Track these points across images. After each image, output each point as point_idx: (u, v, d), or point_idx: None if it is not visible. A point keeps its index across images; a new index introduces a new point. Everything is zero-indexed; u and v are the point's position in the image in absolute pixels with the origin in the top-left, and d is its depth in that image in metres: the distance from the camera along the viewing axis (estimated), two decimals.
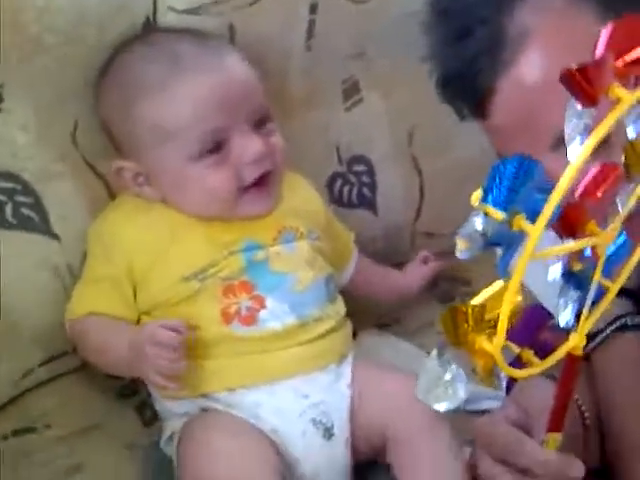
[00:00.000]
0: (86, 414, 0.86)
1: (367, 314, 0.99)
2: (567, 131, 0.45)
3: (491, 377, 0.50)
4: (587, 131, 0.44)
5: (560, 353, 0.53)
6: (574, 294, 0.51)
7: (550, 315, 0.52)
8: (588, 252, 0.50)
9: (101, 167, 0.85)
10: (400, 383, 0.79)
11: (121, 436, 0.86)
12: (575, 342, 0.54)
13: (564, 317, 0.51)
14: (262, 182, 0.80)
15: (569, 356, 0.55)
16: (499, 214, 0.46)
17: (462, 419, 0.77)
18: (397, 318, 1.02)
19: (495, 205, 0.46)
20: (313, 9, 0.90)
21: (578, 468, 0.61)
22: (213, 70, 0.78)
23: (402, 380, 0.79)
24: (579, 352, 0.55)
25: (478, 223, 0.46)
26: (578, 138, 0.44)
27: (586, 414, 0.72)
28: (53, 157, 0.82)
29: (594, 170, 0.45)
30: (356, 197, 1.00)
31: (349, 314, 0.87)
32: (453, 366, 0.49)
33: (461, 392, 0.49)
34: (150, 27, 0.82)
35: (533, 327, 0.68)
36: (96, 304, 0.80)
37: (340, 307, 0.85)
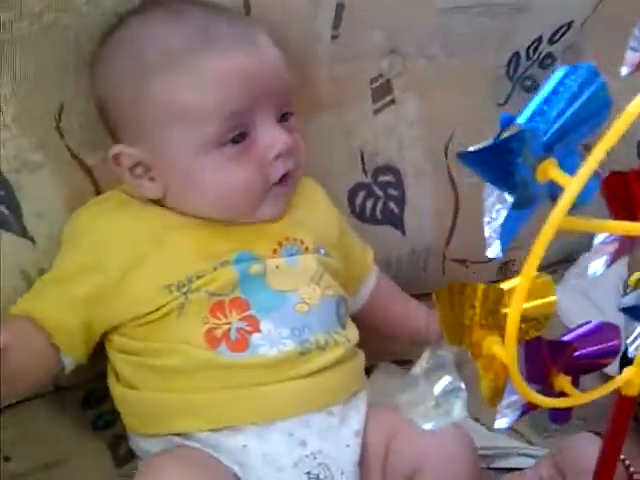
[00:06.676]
0: (52, 447, 0.77)
1: (383, 346, 0.88)
2: None
3: (498, 397, 0.41)
4: None
5: (608, 388, 0.44)
6: None
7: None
8: None
9: (89, 159, 0.75)
10: (429, 442, 0.67)
11: (89, 476, 0.76)
12: (629, 376, 0.44)
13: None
14: (283, 182, 0.71)
15: (621, 397, 0.46)
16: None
17: (487, 478, 0.72)
18: (421, 354, 0.90)
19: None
20: None
21: None
22: (245, 47, 0.69)
23: (431, 438, 0.67)
24: (634, 391, 0.45)
25: None
26: None
27: (636, 476, 0.68)
28: (31, 144, 0.72)
29: None
30: (381, 212, 0.91)
31: (360, 346, 0.75)
32: (448, 375, 0.40)
33: (457, 410, 0.40)
34: None
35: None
36: (33, 304, 0.69)
37: (352, 333, 0.74)
